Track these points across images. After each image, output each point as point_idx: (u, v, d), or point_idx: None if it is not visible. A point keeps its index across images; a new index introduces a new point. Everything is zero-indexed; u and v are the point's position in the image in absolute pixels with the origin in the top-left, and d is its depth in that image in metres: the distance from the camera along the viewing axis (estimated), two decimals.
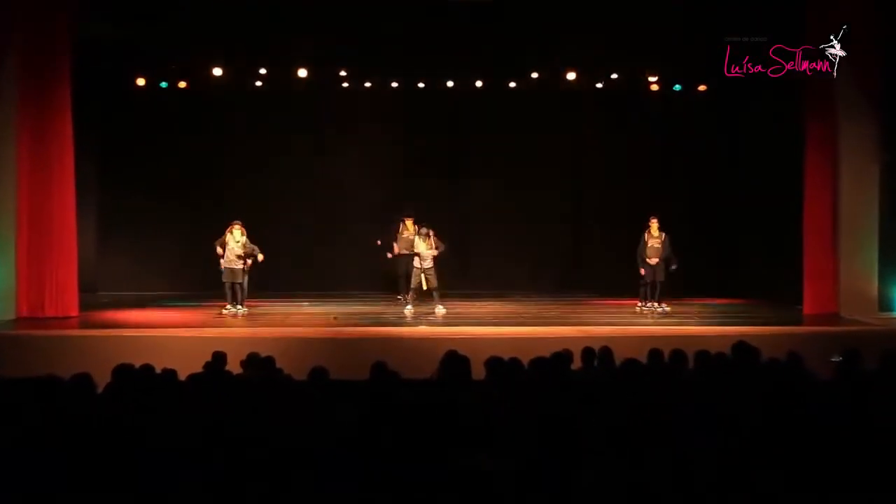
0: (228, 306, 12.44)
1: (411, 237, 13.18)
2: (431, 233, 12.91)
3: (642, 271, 12.86)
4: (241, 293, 12.48)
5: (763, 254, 14.70)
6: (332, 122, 15.58)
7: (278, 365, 6.92)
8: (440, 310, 12.63)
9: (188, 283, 14.74)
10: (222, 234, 12.49)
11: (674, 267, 12.84)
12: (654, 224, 12.91)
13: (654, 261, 12.79)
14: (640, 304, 12.99)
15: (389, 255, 13.58)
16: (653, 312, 12.70)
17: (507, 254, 15.85)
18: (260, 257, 12.44)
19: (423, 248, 12.75)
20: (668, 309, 12.76)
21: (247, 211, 13.80)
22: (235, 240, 12.39)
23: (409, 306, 12.81)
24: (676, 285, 13.13)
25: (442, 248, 12.84)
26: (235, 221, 12.47)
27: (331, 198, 15.72)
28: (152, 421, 4.93)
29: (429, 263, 12.68)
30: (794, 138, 12.74)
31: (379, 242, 13.80)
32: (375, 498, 4.19)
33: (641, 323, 12.08)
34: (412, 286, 12.83)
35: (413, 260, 12.90)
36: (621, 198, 15.48)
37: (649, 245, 12.83)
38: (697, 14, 12.88)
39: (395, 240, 13.55)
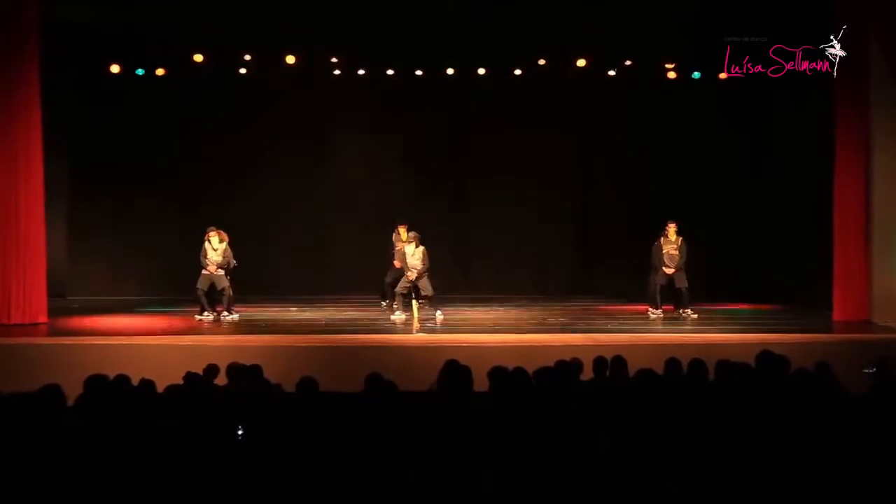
0: (206, 313, 12.46)
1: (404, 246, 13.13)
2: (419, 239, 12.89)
3: (662, 274, 12.81)
4: (226, 299, 12.51)
5: (789, 256, 14.69)
6: (323, 114, 15.56)
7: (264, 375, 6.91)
8: (439, 315, 12.65)
9: (166, 288, 14.72)
10: (202, 237, 12.51)
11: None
12: (671, 229, 12.88)
13: (670, 270, 12.77)
14: (651, 310, 12.96)
15: (397, 265, 13.41)
16: (689, 319, 12.68)
17: (511, 255, 15.85)
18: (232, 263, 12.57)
19: (410, 258, 12.71)
20: (694, 315, 12.74)
21: (230, 210, 13.83)
22: (213, 247, 12.45)
23: (397, 312, 12.82)
24: (696, 290, 13.11)
25: (427, 265, 12.77)
26: (211, 228, 12.51)
27: (321, 196, 15.72)
28: (128, 436, 4.91)
29: (415, 275, 12.65)
30: (823, 132, 12.77)
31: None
32: None
33: (657, 330, 12.07)
34: (397, 291, 12.87)
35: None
36: (634, 196, 15.49)
37: (665, 252, 12.81)
38: (700, 12, 13.37)
39: (392, 251, 13.50)
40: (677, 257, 12.80)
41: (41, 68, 11.99)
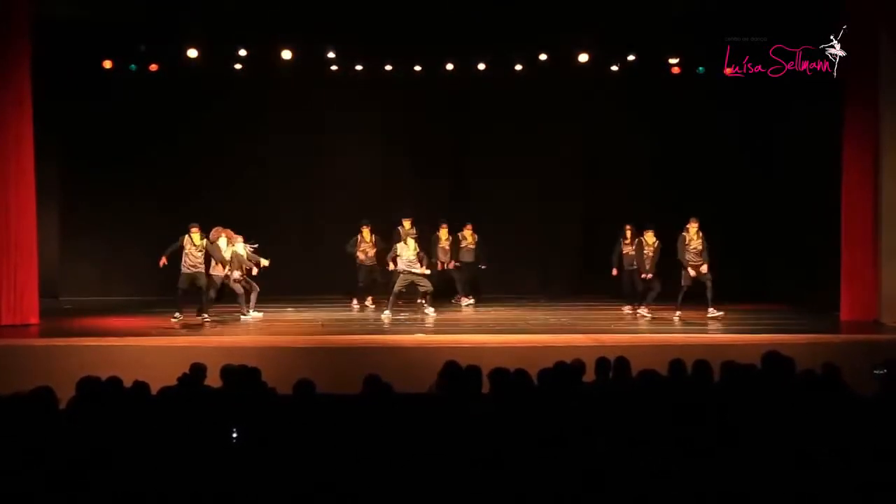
0: (177, 314, 12.35)
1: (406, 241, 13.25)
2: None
3: (691, 274, 12.61)
4: (204, 299, 12.45)
5: (795, 254, 14.68)
6: (320, 111, 15.54)
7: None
8: (430, 312, 12.81)
9: (160, 288, 14.68)
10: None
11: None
12: (693, 227, 12.67)
13: (704, 268, 12.60)
14: (678, 311, 12.69)
15: (391, 268, 13.46)
16: (717, 318, 12.55)
17: (513, 255, 15.83)
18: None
19: (409, 253, 12.86)
20: (720, 313, 12.59)
21: (224, 210, 13.80)
22: (193, 243, 12.35)
23: (386, 312, 12.91)
24: (701, 289, 13.08)
25: (426, 262, 13.07)
26: (193, 224, 12.42)
27: (317, 195, 15.72)
28: (121, 440, 4.91)
29: (417, 268, 12.79)
30: (831, 131, 12.78)
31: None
32: None
33: (661, 331, 12.05)
34: (395, 290, 12.98)
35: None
36: (639, 194, 15.47)
37: (691, 249, 12.61)
38: (700, 12, 13.55)
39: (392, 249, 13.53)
40: (701, 253, 12.62)
41: (32, 66, 11.98)
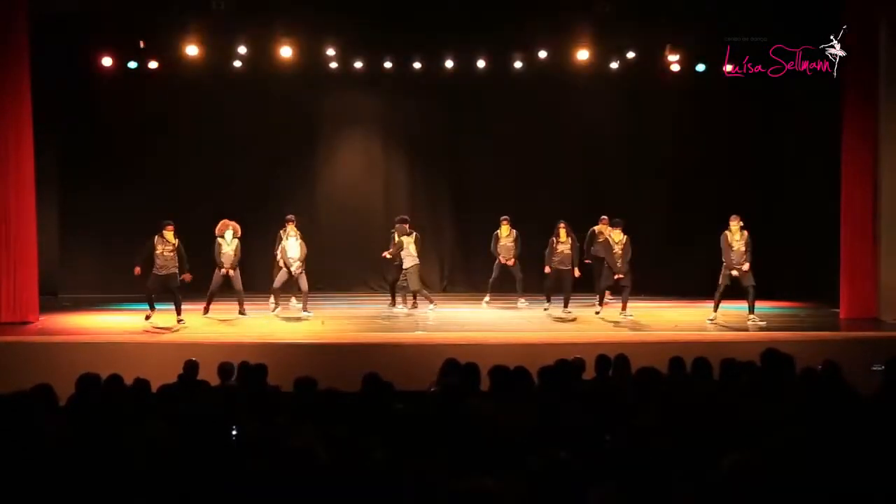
0: (149, 314, 12.04)
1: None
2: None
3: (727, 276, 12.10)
4: (176, 302, 12.02)
5: (795, 252, 14.68)
6: (319, 108, 15.53)
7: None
8: (432, 310, 12.98)
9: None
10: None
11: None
12: (735, 225, 12.10)
13: (746, 266, 12.00)
14: (714, 313, 12.24)
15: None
16: (755, 324, 11.93)
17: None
18: (186, 277, 12.11)
19: (412, 249, 13.06)
20: (763, 322, 11.92)
21: (223, 207, 13.77)
22: (167, 241, 12.05)
23: (399, 307, 13.26)
24: (701, 286, 13.08)
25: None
26: (168, 223, 12.11)
27: (317, 192, 15.69)
28: (121, 437, 4.91)
29: (411, 263, 13.01)
30: (831, 128, 12.77)
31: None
32: None
33: (661, 328, 12.05)
34: (392, 285, 13.37)
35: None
36: (639, 191, 15.46)
37: (734, 249, 12.02)
38: (700, 11, 13.61)
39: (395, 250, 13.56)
40: (745, 253, 11.99)
41: (31, 64, 11.97)
